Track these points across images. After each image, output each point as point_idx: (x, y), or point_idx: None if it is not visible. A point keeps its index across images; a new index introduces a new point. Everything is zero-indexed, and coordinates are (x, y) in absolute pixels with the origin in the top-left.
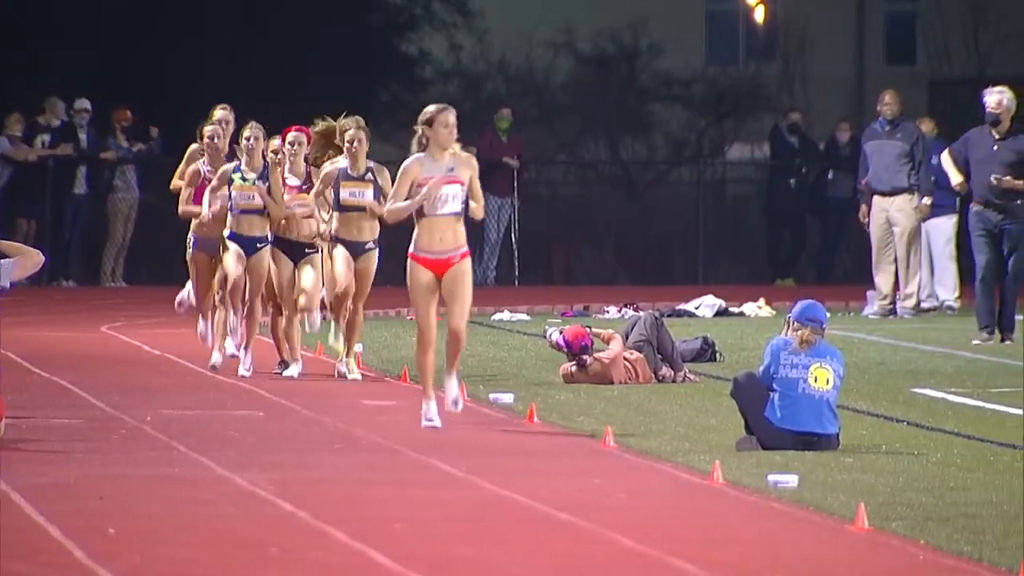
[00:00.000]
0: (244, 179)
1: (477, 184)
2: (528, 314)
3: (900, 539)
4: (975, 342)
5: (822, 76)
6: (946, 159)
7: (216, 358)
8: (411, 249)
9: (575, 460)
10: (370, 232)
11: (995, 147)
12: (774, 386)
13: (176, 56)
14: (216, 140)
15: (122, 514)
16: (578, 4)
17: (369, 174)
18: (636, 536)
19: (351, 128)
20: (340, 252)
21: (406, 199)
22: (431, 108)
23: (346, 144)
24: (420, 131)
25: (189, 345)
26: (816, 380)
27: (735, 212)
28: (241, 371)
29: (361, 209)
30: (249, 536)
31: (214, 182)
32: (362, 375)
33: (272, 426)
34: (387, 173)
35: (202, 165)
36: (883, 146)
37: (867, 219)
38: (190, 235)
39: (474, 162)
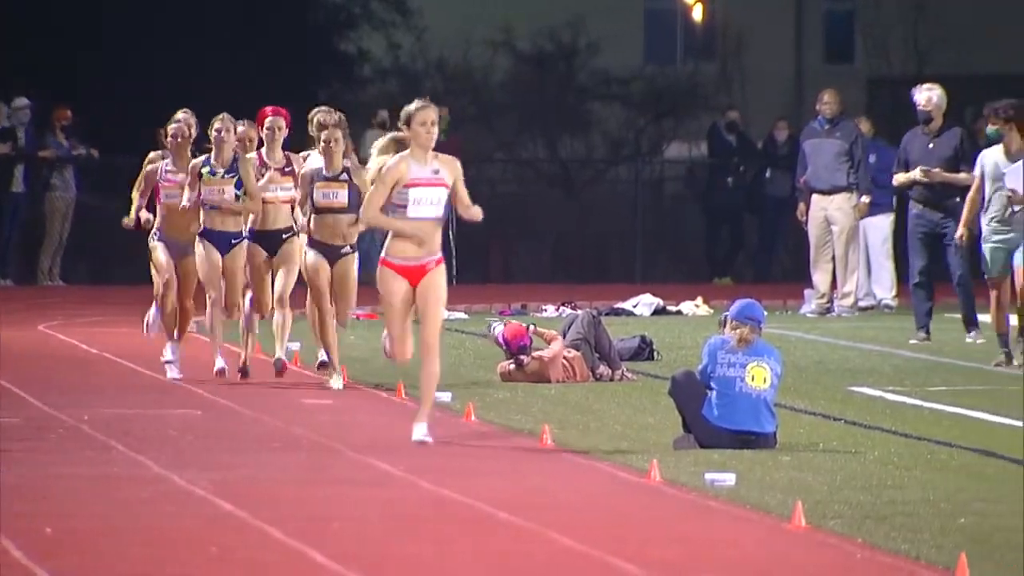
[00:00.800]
0: (213, 173)
1: (463, 187)
2: (466, 313)
3: (837, 537)
4: (912, 341)
5: (760, 74)
6: (899, 177)
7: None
8: (383, 254)
9: (513, 459)
10: (347, 235)
11: (930, 144)
12: (712, 384)
13: (118, 54)
14: (179, 138)
15: (60, 513)
16: (516, 2)
17: (345, 174)
18: (574, 535)
19: (328, 125)
20: (312, 260)
21: (396, 204)
22: (410, 106)
23: (321, 143)
24: (403, 130)
25: (127, 344)
26: (753, 379)
27: (673, 211)
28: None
29: (338, 211)
30: (187, 535)
31: (187, 178)
32: (344, 385)
33: (210, 425)
34: (365, 174)
35: (164, 165)
36: (822, 145)
37: (805, 217)
38: (154, 236)
39: (458, 165)
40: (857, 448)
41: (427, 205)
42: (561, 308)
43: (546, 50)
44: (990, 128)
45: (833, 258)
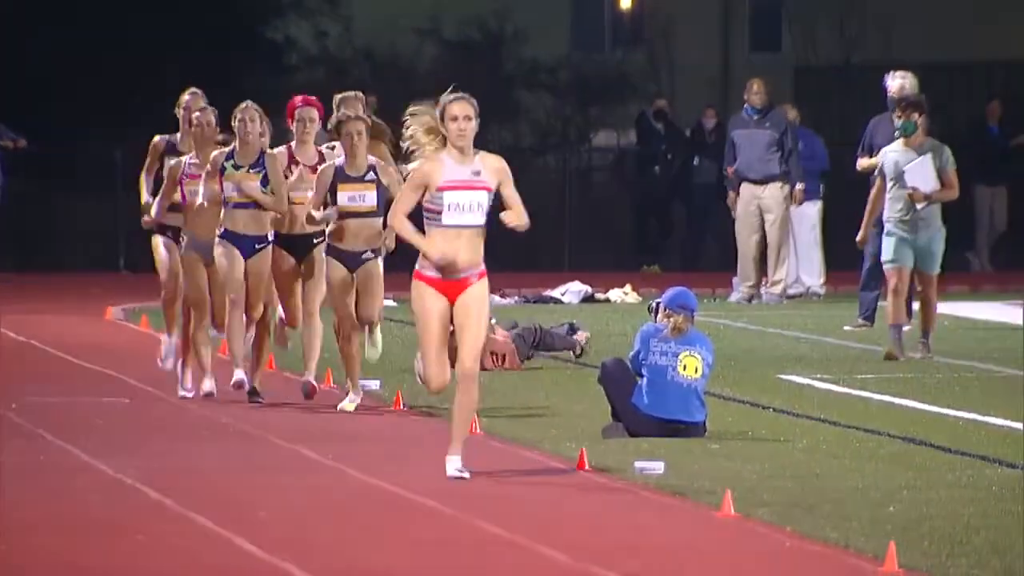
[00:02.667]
0: (237, 168)
1: (512, 191)
2: (395, 300)
3: (767, 526)
4: (847, 328)
5: (687, 62)
6: (862, 161)
7: (239, 375)
8: (418, 266)
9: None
10: (370, 238)
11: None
12: (643, 372)
13: (38, 41)
14: (203, 129)
15: None
16: None
17: (371, 173)
18: (502, 523)
19: (349, 117)
20: (334, 272)
21: (430, 209)
22: (443, 97)
23: (343, 137)
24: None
25: (53, 331)
26: (685, 368)
27: (601, 199)
28: (247, 391)
29: (364, 215)
30: (115, 523)
31: (206, 171)
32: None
33: (139, 413)
34: (395, 172)
35: (187, 159)
36: (753, 135)
37: (735, 206)
38: (156, 235)
39: (504, 166)
40: (786, 436)
41: (466, 212)
42: (490, 296)
43: (473, 38)
44: (899, 121)
45: (764, 246)
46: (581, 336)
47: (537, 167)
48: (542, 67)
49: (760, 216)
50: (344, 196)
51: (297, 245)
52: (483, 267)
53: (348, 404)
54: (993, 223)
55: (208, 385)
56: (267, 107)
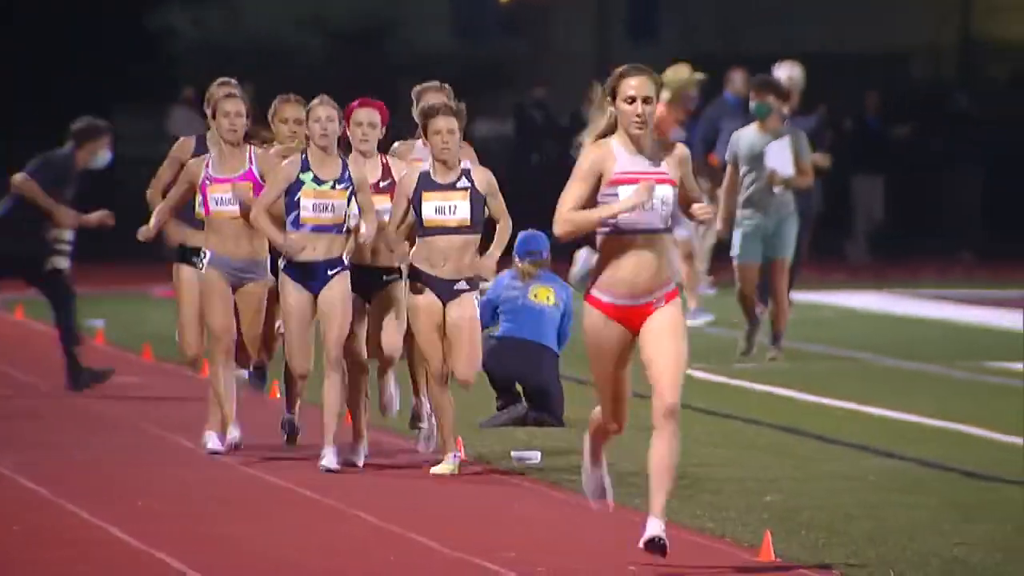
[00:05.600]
0: (320, 183)
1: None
2: None
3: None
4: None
5: (565, 51)
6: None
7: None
8: (592, 290)
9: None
10: (465, 263)
11: (785, 123)
12: (498, 309)
13: None
14: (237, 131)
15: None
16: None
17: (464, 179)
18: (380, 514)
19: (439, 111)
20: (421, 304)
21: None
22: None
23: (431, 136)
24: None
25: None
26: (536, 296)
27: None
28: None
29: (452, 232)
30: None
31: (273, 186)
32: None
33: (16, 404)
34: (492, 179)
35: (208, 161)
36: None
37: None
38: (202, 259)
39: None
40: None
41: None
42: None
43: (358, 27)
44: (754, 103)
45: None
46: None
47: None
48: (423, 55)
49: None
50: (430, 207)
51: (366, 281)
52: (674, 285)
53: (447, 466)
54: (871, 214)
55: (234, 435)
56: (150, 100)
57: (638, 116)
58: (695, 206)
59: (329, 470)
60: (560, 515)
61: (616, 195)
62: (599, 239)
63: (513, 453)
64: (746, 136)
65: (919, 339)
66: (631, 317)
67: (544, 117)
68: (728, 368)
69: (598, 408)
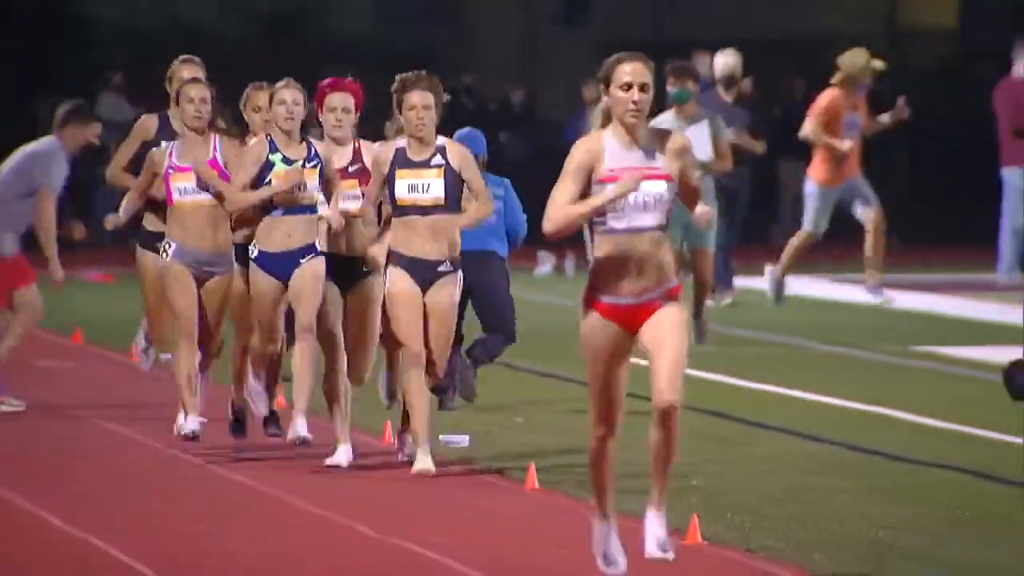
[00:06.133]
0: (288, 162)
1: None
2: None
3: (570, 499)
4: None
5: (493, 37)
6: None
7: (301, 429)
8: (591, 292)
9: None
10: (445, 246)
11: (727, 112)
12: None
13: None
14: (203, 116)
15: None
16: None
17: (438, 156)
18: (303, 495)
19: (414, 85)
20: (400, 293)
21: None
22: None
23: (405, 111)
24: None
25: None
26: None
27: None
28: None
29: (427, 211)
30: None
31: (243, 168)
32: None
33: None
34: (468, 155)
35: (171, 149)
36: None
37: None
38: (166, 248)
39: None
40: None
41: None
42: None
43: (281, 13)
44: (673, 89)
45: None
46: None
47: None
48: (347, 41)
49: None
50: (403, 185)
51: (341, 269)
52: (676, 280)
53: (422, 463)
54: (797, 199)
55: (192, 426)
56: (74, 88)
57: (634, 103)
58: (696, 211)
59: (302, 439)
60: (487, 499)
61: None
62: (596, 239)
63: (441, 437)
64: (664, 122)
65: (847, 324)
66: (631, 317)
67: (477, 104)
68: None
69: (593, 438)
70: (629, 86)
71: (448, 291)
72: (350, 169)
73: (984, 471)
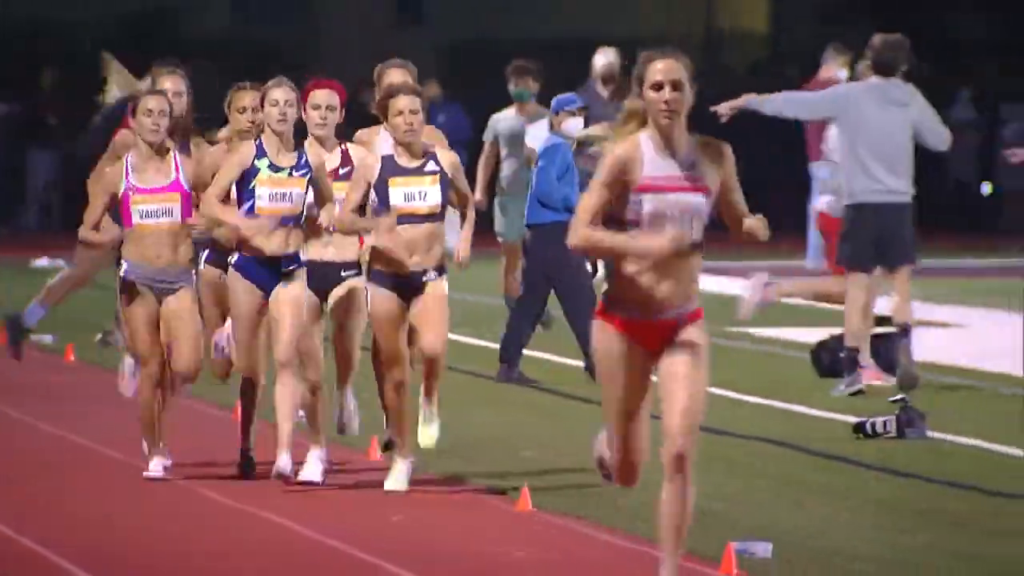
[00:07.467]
0: (276, 169)
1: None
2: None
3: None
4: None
5: (335, 36)
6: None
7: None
8: (605, 306)
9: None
10: (434, 254)
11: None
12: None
13: None
14: (166, 120)
15: None
16: None
17: (431, 163)
18: (229, 494)
19: (400, 90)
20: (383, 312)
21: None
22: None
23: (392, 117)
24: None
25: None
26: None
27: None
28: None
29: (421, 220)
30: None
31: (224, 171)
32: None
33: None
34: (457, 160)
35: (127, 165)
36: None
37: None
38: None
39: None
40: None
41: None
42: None
43: (141, 10)
44: (514, 87)
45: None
46: None
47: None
48: (204, 40)
49: None
50: (398, 193)
51: (323, 276)
52: (697, 303)
53: (396, 481)
54: None
55: (156, 466)
56: None
57: (666, 103)
58: (746, 222)
59: (282, 474)
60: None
61: (640, 203)
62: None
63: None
64: (505, 119)
65: None
66: (648, 335)
67: None
68: (492, 333)
69: (602, 441)
70: (660, 85)
71: (438, 287)
72: (340, 172)
73: (796, 443)
